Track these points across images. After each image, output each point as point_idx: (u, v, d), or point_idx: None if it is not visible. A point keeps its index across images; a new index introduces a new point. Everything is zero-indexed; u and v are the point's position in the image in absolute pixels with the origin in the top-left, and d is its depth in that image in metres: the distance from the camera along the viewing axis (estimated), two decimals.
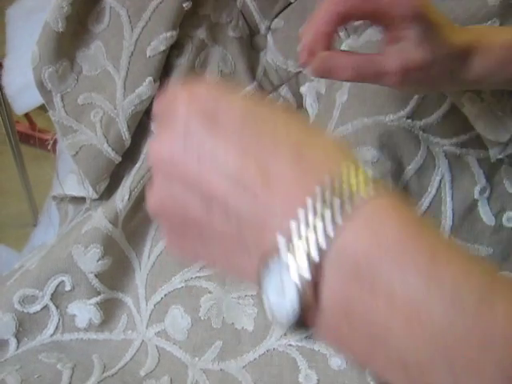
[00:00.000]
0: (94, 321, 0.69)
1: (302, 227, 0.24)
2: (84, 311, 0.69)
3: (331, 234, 0.24)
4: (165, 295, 0.69)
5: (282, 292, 0.24)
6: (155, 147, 0.30)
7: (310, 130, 0.29)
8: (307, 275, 0.24)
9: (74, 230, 0.70)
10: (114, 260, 0.69)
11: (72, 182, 0.72)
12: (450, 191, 0.64)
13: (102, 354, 0.68)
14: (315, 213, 0.24)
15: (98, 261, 0.67)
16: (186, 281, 0.68)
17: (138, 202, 0.70)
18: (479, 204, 0.67)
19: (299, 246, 0.24)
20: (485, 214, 0.67)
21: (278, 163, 0.27)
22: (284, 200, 0.26)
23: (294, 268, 0.24)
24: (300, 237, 0.24)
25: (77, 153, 0.69)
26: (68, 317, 0.69)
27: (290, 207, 0.25)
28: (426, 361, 0.22)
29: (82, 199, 0.73)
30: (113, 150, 0.68)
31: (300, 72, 0.72)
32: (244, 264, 0.28)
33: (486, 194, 0.67)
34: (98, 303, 0.69)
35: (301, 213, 0.24)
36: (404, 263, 0.23)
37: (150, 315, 0.69)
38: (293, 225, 0.24)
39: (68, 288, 0.68)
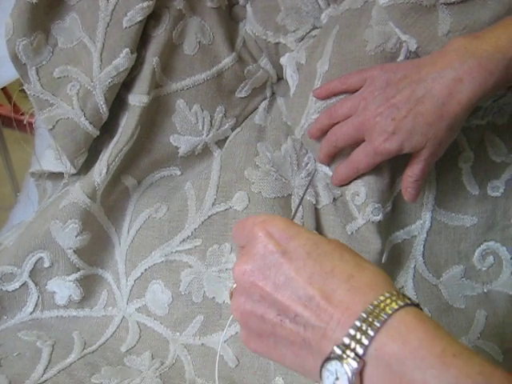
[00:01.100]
0: (73, 297, 0.68)
1: (352, 343, 0.33)
2: (63, 288, 0.68)
3: (366, 343, 0.33)
4: (145, 270, 0.68)
5: None
6: (239, 267, 0.39)
7: (358, 260, 0.38)
8: (355, 376, 0.33)
9: (51, 206, 0.68)
10: (92, 235, 0.68)
11: (49, 157, 0.71)
12: None
13: (82, 331, 0.67)
14: (361, 330, 0.33)
15: (76, 236, 0.66)
16: (165, 255, 0.67)
17: (117, 176, 0.69)
18: (463, 173, 0.66)
19: (349, 354, 0.33)
20: (469, 183, 0.66)
21: (335, 285, 0.36)
22: (339, 317, 0.34)
23: (345, 370, 0.33)
24: (350, 348, 0.33)
25: (54, 127, 0.67)
26: (47, 294, 0.68)
27: (343, 325, 0.34)
28: None
29: (60, 175, 0.71)
30: (90, 123, 0.66)
31: (279, 42, 0.71)
32: (308, 363, 0.37)
33: (470, 163, 0.66)
34: (77, 279, 0.67)
35: (351, 331, 0.33)
36: (423, 362, 0.31)
37: (131, 291, 0.68)
38: (346, 340, 0.34)
39: (47, 264, 0.67)
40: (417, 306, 0.35)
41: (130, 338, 0.66)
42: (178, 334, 0.66)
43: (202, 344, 0.65)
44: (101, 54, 0.66)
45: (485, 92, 0.53)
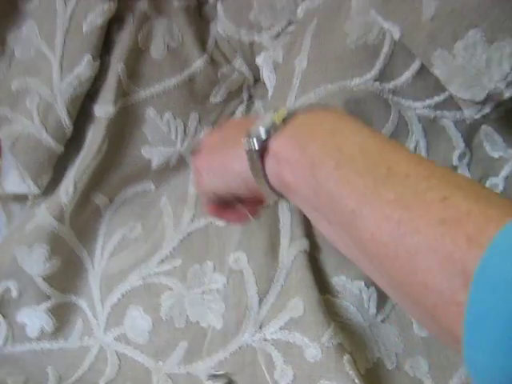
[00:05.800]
0: (46, 329, 0.62)
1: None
2: (34, 319, 0.62)
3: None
4: (122, 295, 0.63)
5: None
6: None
7: None
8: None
9: (17, 231, 0.63)
10: (63, 260, 0.62)
11: (13, 177, 0.65)
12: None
13: (56, 365, 0.62)
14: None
15: (44, 262, 0.61)
16: (143, 278, 0.62)
17: (86, 195, 0.64)
18: (459, 171, 0.61)
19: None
20: None
21: None
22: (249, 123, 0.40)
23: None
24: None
25: (13, 144, 0.62)
26: (17, 326, 0.63)
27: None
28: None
29: (26, 196, 0.66)
30: (53, 138, 0.61)
31: (254, 41, 0.66)
32: (232, 152, 0.41)
33: (466, 160, 0.61)
34: (49, 309, 0.62)
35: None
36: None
37: (108, 318, 0.63)
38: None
39: (15, 294, 0.62)
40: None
41: (109, 370, 0.61)
42: (160, 363, 0.61)
43: (188, 373, 0.60)
44: (61, 63, 0.61)
45: None
